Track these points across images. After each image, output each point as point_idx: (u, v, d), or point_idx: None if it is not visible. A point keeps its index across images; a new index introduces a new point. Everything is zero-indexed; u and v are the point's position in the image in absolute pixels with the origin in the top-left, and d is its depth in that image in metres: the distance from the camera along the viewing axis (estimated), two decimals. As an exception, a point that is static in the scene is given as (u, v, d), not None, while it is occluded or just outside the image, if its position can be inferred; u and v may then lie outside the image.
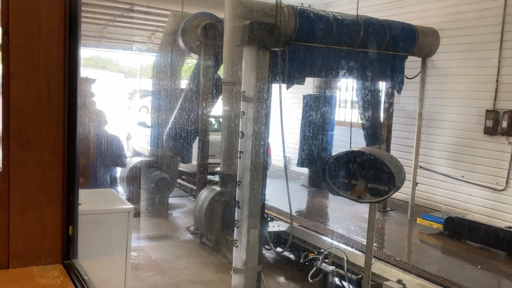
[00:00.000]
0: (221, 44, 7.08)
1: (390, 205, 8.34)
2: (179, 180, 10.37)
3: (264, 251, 6.19)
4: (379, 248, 6.29)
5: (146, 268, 6.32)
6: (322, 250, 5.93)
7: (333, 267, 5.66)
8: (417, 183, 8.09)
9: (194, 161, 9.18)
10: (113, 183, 5.91)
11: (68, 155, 2.04)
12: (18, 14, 1.90)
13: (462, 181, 8.05)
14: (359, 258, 5.65)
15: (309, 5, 7.08)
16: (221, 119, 8.29)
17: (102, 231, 3.46)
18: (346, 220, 7.57)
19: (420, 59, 8.06)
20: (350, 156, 4.03)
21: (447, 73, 8.35)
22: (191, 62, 12.02)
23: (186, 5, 9.15)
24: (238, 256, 5.25)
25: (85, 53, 17.81)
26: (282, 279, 6.44)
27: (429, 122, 8.46)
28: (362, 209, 7.60)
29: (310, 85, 9.86)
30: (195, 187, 9.31)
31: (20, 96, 1.93)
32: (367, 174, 3.90)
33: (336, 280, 5.69)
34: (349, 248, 6.01)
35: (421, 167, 8.40)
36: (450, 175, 8.25)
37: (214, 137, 8.88)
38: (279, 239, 6.75)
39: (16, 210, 1.96)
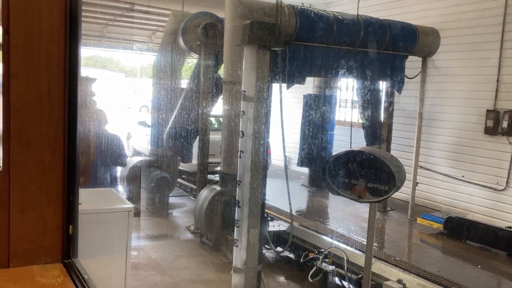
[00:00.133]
0: (222, 44, 7.08)
1: (390, 205, 8.34)
2: (179, 180, 10.38)
3: (264, 251, 6.19)
4: (379, 247, 6.29)
5: (146, 268, 6.32)
6: (322, 250, 5.93)
7: (333, 266, 5.65)
8: (417, 183, 8.08)
9: (194, 161, 9.18)
10: (113, 182, 5.91)
11: (68, 154, 2.04)
12: (18, 13, 1.90)
13: (463, 181, 8.04)
14: (359, 258, 5.65)
15: (310, 4, 7.08)
16: (221, 119, 8.29)
17: (102, 230, 3.46)
18: (346, 220, 7.57)
19: (421, 59, 8.06)
20: (350, 156, 4.03)
21: (447, 73, 8.35)
22: (191, 61, 12.03)
23: (186, 4, 9.15)
24: (238, 255, 5.25)
25: (85, 52, 17.82)
26: (282, 279, 6.44)
27: (430, 122, 8.45)
28: (362, 209, 7.59)
29: (310, 84, 9.86)
30: (195, 187, 9.31)
31: (21, 95, 1.93)
32: (367, 173, 3.90)
33: (336, 279, 5.69)
34: (349, 248, 6.01)
35: (421, 166, 8.40)
36: (450, 175, 8.25)
37: (214, 137, 8.88)
38: (279, 238, 6.75)
39: (16, 209, 1.96)
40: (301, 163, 9.86)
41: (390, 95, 8.34)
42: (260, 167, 5.25)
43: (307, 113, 9.68)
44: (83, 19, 2.10)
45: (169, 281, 6.04)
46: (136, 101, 20.46)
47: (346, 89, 11.06)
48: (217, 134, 8.67)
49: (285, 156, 5.64)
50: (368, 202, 3.97)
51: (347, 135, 7.86)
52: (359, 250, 5.96)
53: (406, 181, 4.09)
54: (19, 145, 1.94)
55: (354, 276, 5.55)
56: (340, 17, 6.93)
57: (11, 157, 1.94)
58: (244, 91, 5.13)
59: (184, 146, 9.06)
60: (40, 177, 1.99)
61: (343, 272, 5.61)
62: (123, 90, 23.14)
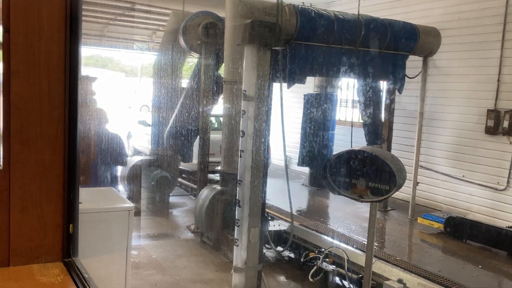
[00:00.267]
0: (222, 43, 7.07)
1: (391, 205, 8.34)
2: (179, 179, 10.38)
3: (264, 250, 6.19)
4: (379, 247, 6.28)
5: (147, 267, 6.32)
6: (323, 249, 5.93)
7: (334, 266, 5.65)
8: (418, 182, 8.07)
9: (195, 160, 9.18)
10: (113, 181, 5.91)
11: (68, 153, 2.04)
12: (19, 12, 1.90)
13: (463, 180, 8.04)
14: (359, 258, 5.65)
15: (310, 4, 7.07)
16: (221, 118, 8.29)
17: (103, 229, 3.46)
18: (346, 220, 7.57)
19: (421, 58, 8.05)
20: (351, 155, 4.02)
21: (448, 72, 8.35)
22: (192, 61, 12.03)
23: (187, 4, 9.15)
24: (239, 255, 5.25)
25: (86, 52, 17.84)
26: (282, 278, 6.44)
27: (430, 121, 8.45)
28: (363, 209, 7.59)
29: (311, 84, 9.86)
30: (195, 186, 9.31)
31: (21, 94, 1.93)
32: (368, 173, 3.89)
33: (337, 279, 5.69)
34: (349, 248, 6.01)
35: (422, 166, 8.39)
36: (451, 174, 8.25)
37: (214, 136, 8.88)
38: (279, 238, 6.75)
39: (16, 208, 1.96)
40: (301, 162, 9.85)
41: (390, 94, 8.34)
42: (261, 167, 5.25)
43: (308, 113, 9.68)
44: (83, 18, 2.10)
45: (170, 280, 6.04)
46: (137, 101, 20.46)
47: (347, 88, 11.05)
48: (217, 133, 8.66)
49: (285, 156, 5.64)
50: (369, 201, 3.97)
51: (347, 134, 7.86)
52: (360, 249, 5.96)
53: (406, 180, 4.08)
54: (19, 143, 1.94)
55: (354, 276, 5.54)
56: (341, 16, 6.93)
57: (12, 156, 1.93)
58: (245, 91, 5.12)
59: (185, 145, 9.06)
60: (40, 176, 1.99)
61: (343, 271, 5.60)
62: (124, 90, 23.15)
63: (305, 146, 9.69)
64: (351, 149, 4.18)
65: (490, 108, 7.60)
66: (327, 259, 5.74)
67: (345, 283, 5.63)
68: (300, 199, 8.95)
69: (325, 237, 6.49)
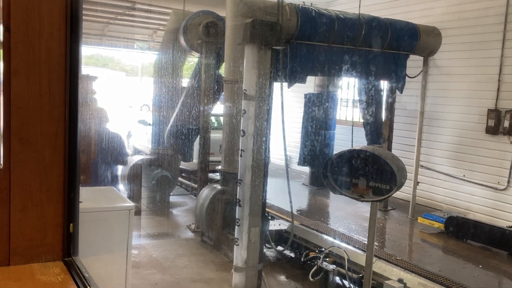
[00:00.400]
0: (223, 42, 7.07)
1: (391, 204, 8.33)
2: (180, 178, 10.38)
3: (265, 250, 6.19)
4: (380, 247, 6.28)
5: (147, 266, 6.32)
6: (323, 249, 5.93)
7: (334, 266, 5.65)
8: (419, 182, 8.07)
9: (195, 159, 9.18)
10: (114, 181, 5.91)
11: (69, 152, 2.04)
12: (19, 10, 1.90)
13: (464, 180, 8.03)
14: (360, 257, 5.64)
15: (311, 3, 7.07)
16: (221, 118, 8.28)
17: (103, 228, 3.46)
18: (347, 219, 7.56)
19: (422, 58, 8.04)
20: (352, 155, 4.02)
21: (449, 72, 8.34)
22: (192, 60, 12.03)
23: (187, 3, 9.15)
24: (239, 254, 5.25)
25: (86, 51, 17.83)
26: (283, 278, 6.44)
27: (431, 121, 8.44)
28: (363, 208, 7.59)
29: (311, 83, 9.85)
30: (196, 185, 9.31)
31: (21, 93, 1.93)
32: (369, 172, 3.89)
33: (337, 279, 5.69)
34: (350, 247, 6.01)
35: (422, 166, 8.39)
36: (451, 174, 8.24)
37: (215, 135, 8.88)
38: (280, 237, 6.75)
39: (17, 207, 1.96)
40: (302, 162, 9.85)
41: (391, 94, 8.34)
42: (261, 166, 5.24)
43: (309, 112, 9.67)
44: (84, 17, 2.09)
45: (170, 279, 6.04)
46: (137, 100, 20.46)
47: (347, 88, 11.04)
48: (217, 132, 8.66)
49: (286, 155, 5.63)
50: (370, 201, 3.97)
51: (348, 134, 7.85)
52: (360, 249, 5.95)
53: (407, 180, 4.08)
54: (19, 143, 1.94)
55: (355, 275, 5.54)
56: (342, 16, 6.92)
57: (12, 155, 1.93)
58: (245, 90, 5.12)
59: (185, 144, 9.05)
60: (40, 175, 1.99)
61: (344, 271, 5.60)
62: (124, 89, 23.14)
63: (305, 145, 9.68)
64: (352, 148, 4.18)
65: (490, 107, 7.59)
66: (327, 259, 5.74)
67: (346, 282, 5.63)
68: (301, 199, 8.95)
69: (326, 236, 6.49)
